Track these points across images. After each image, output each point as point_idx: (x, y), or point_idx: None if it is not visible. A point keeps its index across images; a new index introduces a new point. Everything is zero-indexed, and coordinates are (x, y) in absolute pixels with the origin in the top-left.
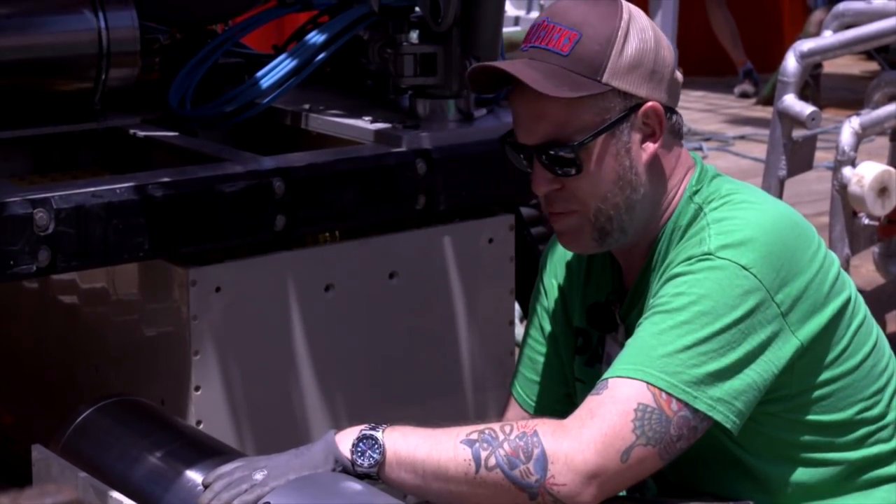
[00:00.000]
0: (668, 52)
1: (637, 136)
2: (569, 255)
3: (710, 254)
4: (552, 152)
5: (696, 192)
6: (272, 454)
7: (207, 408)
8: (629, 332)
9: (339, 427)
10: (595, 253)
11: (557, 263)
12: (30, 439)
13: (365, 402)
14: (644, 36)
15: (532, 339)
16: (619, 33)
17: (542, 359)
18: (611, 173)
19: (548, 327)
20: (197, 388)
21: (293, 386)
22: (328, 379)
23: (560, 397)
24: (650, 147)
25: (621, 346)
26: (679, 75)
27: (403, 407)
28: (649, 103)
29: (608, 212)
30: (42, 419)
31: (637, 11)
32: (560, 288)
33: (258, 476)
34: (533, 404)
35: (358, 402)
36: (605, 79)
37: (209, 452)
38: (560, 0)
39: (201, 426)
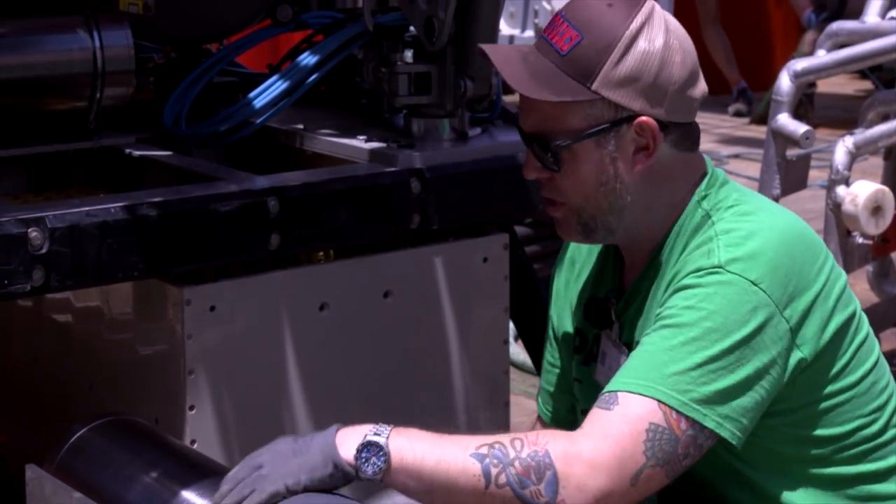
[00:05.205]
0: (680, 67)
1: (629, 148)
2: (578, 255)
3: (720, 267)
4: (538, 146)
5: (704, 198)
6: (271, 444)
7: (202, 427)
8: (623, 331)
9: None
10: (586, 244)
11: (567, 265)
12: (23, 459)
13: (359, 420)
14: (652, 48)
15: (547, 347)
16: (621, 43)
17: (553, 368)
18: (592, 179)
19: (558, 333)
20: (191, 408)
21: (287, 405)
22: (322, 398)
23: (570, 406)
24: (643, 160)
25: (615, 343)
26: (698, 90)
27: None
28: (641, 118)
29: (590, 212)
30: (36, 438)
31: (660, 18)
32: (567, 289)
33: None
34: (549, 415)
35: (352, 421)
36: (595, 86)
37: (203, 472)
38: None
39: (195, 445)
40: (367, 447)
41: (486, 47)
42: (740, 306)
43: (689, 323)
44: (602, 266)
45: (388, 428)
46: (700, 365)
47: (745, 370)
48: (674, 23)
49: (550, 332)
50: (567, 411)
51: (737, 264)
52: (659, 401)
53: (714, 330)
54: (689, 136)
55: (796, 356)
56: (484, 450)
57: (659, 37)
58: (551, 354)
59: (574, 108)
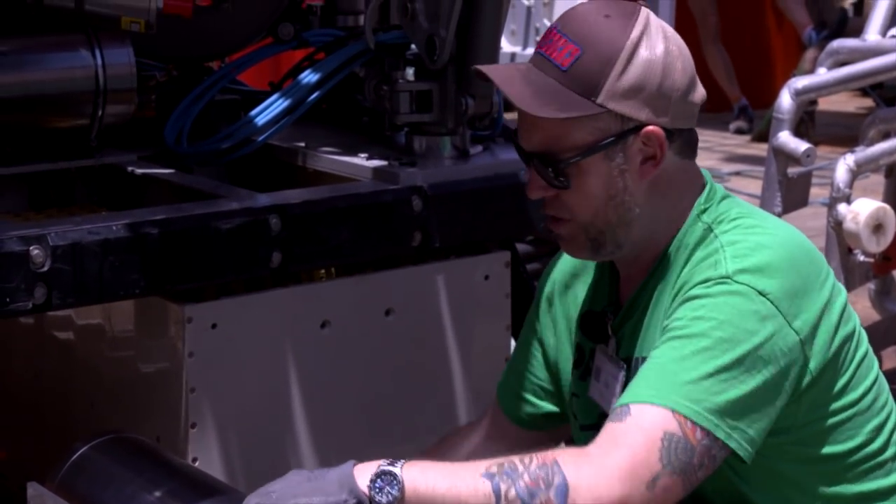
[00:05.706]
0: (681, 74)
1: (637, 158)
2: (569, 266)
3: (727, 277)
4: (543, 165)
5: (704, 211)
6: (285, 476)
7: (203, 445)
8: (620, 346)
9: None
10: (594, 261)
11: (559, 276)
12: (25, 476)
13: (361, 438)
14: (653, 57)
15: (521, 343)
16: (623, 54)
17: (521, 363)
18: (601, 192)
19: (552, 343)
20: (193, 426)
21: (289, 423)
22: (324, 416)
23: (528, 410)
24: (650, 170)
25: (611, 359)
26: (698, 95)
27: (399, 444)
28: (649, 127)
29: (599, 227)
30: (37, 456)
31: (657, 26)
32: (562, 301)
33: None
34: (506, 406)
35: (354, 439)
36: (600, 100)
37: (205, 490)
38: (577, 5)
39: (197, 463)
40: (382, 476)
41: (484, 68)
42: (749, 316)
43: (700, 333)
44: (598, 279)
45: (403, 460)
46: (711, 374)
47: (756, 380)
48: (670, 29)
49: (526, 334)
50: (527, 414)
51: (744, 275)
52: (673, 410)
53: (725, 340)
54: (690, 143)
55: (805, 369)
56: (494, 468)
57: (659, 44)
58: (524, 352)
59: (580, 123)
